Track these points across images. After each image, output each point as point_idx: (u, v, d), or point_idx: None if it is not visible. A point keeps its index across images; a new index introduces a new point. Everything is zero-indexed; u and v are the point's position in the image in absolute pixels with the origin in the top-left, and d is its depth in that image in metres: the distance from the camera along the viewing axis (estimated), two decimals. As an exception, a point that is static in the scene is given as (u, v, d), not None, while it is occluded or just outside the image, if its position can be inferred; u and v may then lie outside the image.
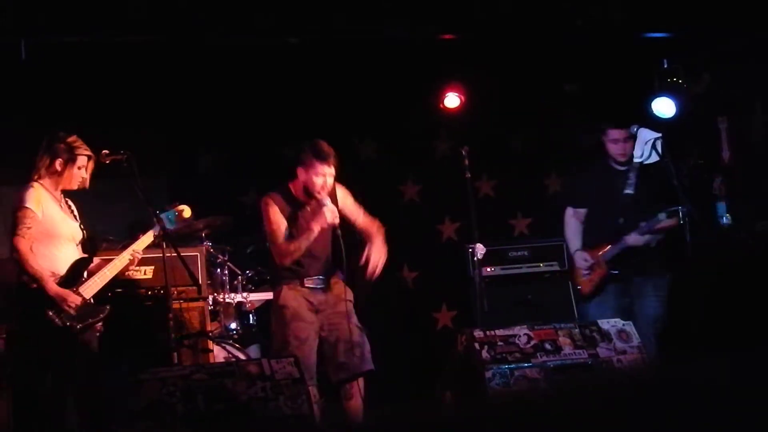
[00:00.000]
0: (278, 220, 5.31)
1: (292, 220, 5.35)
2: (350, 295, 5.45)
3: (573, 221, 6.32)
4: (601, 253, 6.07)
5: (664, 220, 5.83)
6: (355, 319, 5.38)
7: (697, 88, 7.72)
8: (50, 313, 4.68)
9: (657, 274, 6.01)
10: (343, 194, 5.49)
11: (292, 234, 5.31)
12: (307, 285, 5.36)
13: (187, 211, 5.25)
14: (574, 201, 6.37)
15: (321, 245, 5.36)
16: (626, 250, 5.98)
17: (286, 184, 5.40)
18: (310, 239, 5.24)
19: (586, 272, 6.14)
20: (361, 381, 5.32)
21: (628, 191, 6.02)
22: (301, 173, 5.32)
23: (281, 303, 5.34)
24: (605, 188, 6.15)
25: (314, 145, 5.34)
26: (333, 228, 5.31)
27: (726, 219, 7.27)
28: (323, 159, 5.28)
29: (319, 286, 5.38)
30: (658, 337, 5.89)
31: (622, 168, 6.11)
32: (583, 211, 6.29)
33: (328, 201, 5.26)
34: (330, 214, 5.21)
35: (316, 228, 5.22)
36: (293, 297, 5.33)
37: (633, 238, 5.95)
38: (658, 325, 5.93)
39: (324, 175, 5.28)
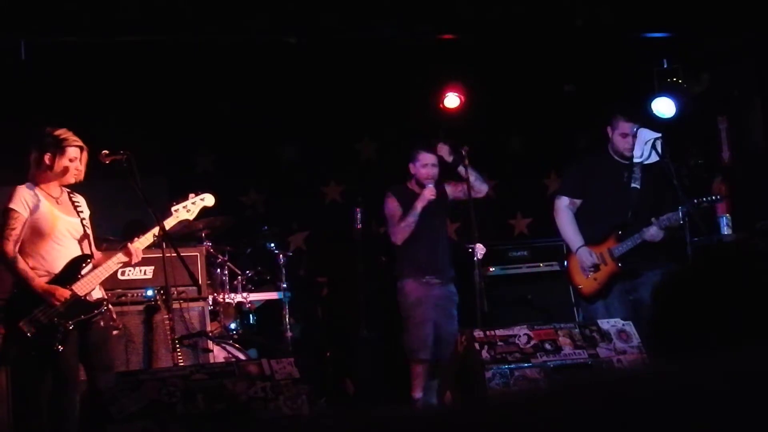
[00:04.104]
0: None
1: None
2: None
3: (568, 213, 5.87)
4: (608, 248, 5.72)
5: (681, 217, 5.52)
6: None
7: (697, 88, 7.71)
8: (36, 312, 4.63)
9: (665, 265, 5.57)
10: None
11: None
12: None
13: (209, 199, 5.21)
14: (571, 190, 5.94)
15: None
16: (640, 244, 5.61)
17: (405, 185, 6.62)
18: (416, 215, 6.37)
19: (591, 270, 5.74)
20: None
21: (635, 185, 5.72)
22: (411, 168, 6.57)
23: None
24: (610, 181, 5.81)
25: (419, 139, 6.70)
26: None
27: (726, 227, 7.16)
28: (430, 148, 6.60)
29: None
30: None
31: (625, 161, 5.82)
32: (578, 201, 5.89)
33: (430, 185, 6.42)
34: (428, 191, 6.37)
35: (419, 205, 6.37)
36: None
37: (652, 232, 5.57)
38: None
39: (428, 163, 6.52)
